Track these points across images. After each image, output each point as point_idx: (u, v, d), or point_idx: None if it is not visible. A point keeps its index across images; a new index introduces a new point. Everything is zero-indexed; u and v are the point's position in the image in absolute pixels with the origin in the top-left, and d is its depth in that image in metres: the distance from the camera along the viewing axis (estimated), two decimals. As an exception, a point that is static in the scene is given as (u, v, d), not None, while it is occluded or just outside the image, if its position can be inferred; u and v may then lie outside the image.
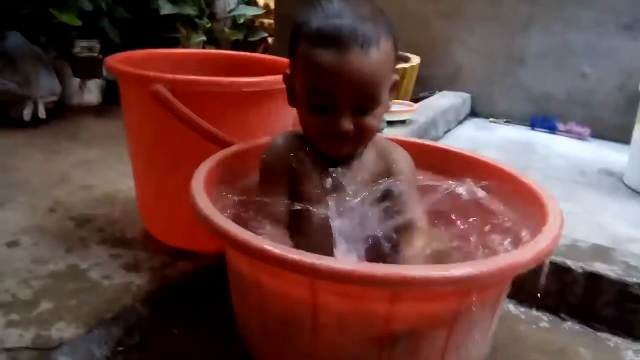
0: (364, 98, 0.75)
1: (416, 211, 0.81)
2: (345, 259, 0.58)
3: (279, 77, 1.01)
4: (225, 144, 0.95)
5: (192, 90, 0.98)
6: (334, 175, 0.81)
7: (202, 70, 1.28)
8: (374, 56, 0.73)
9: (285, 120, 1.15)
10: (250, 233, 0.62)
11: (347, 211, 0.77)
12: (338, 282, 0.57)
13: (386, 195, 0.81)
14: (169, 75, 0.96)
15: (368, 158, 0.86)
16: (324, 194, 0.80)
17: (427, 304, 0.64)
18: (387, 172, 0.85)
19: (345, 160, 0.83)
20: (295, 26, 0.79)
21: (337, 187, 0.80)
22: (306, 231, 0.80)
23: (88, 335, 0.87)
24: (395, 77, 0.82)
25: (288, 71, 0.84)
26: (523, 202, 0.84)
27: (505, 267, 0.60)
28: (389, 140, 0.91)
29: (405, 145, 0.94)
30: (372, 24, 0.74)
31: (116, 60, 1.08)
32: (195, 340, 0.95)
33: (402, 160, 0.87)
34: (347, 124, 0.76)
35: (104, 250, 1.11)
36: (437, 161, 1.00)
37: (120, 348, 0.90)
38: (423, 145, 1.05)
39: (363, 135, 0.79)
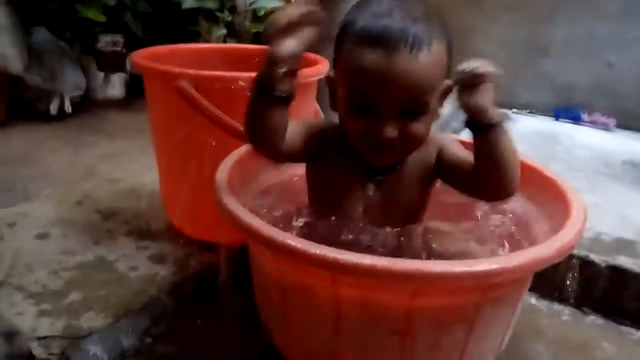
0: (410, 103, 0.70)
1: (471, 155, 0.75)
2: (366, 255, 0.58)
3: (300, 72, 1.02)
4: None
5: (215, 85, 0.99)
6: (378, 179, 0.78)
7: (226, 65, 1.29)
8: (424, 60, 0.68)
9: (307, 115, 1.16)
10: (274, 228, 0.63)
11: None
12: (359, 276, 0.58)
13: (442, 165, 0.79)
14: (192, 71, 0.97)
15: (414, 161, 0.80)
16: (358, 205, 0.78)
17: (449, 299, 0.65)
18: (434, 151, 0.80)
19: (389, 168, 0.79)
20: (341, 25, 0.74)
21: (385, 194, 0.79)
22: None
23: (116, 325, 0.90)
24: (448, 82, 0.76)
25: (332, 73, 0.79)
26: (547, 196, 0.83)
27: (527, 262, 0.60)
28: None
29: None
30: (424, 25, 0.69)
31: (141, 57, 1.10)
32: (219, 330, 0.97)
33: (442, 136, 0.83)
34: (391, 131, 0.71)
35: (130, 242, 1.14)
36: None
37: (147, 338, 0.93)
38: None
39: (408, 144, 0.74)
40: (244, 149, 0.90)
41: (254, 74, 0.99)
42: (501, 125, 0.69)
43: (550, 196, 0.82)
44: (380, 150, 0.73)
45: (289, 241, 0.61)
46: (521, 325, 0.97)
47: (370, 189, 0.79)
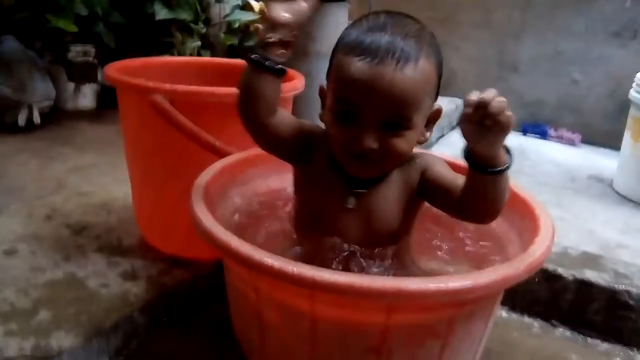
0: (392, 116, 0.70)
1: (458, 177, 0.74)
2: (344, 273, 0.59)
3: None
4: (224, 154, 0.96)
5: (191, 100, 0.99)
6: (357, 192, 0.78)
7: (201, 79, 1.29)
8: (409, 74, 0.69)
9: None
10: (250, 246, 0.63)
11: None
12: (336, 294, 0.59)
13: (427, 185, 0.78)
14: (168, 86, 0.97)
15: (394, 172, 0.80)
16: (338, 217, 0.78)
17: (423, 315, 0.66)
18: (417, 172, 0.79)
19: (371, 181, 0.78)
20: (338, 39, 0.76)
21: (364, 208, 0.78)
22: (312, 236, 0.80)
23: (87, 344, 0.88)
24: (437, 106, 0.77)
25: (324, 85, 0.80)
26: (517, 213, 0.85)
27: (498, 279, 0.62)
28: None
29: None
30: (414, 42, 0.70)
31: (114, 69, 1.08)
32: (192, 347, 0.96)
33: (427, 156, 0.82)
34: (371, 142, 0.71)
35: (102, 258, 1.12)
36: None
37: (119, 357, 0.91)
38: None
39: (388, 158, 0.74)
40: (219, 164, 0.90)
41: (229, 89, 1.00)
42: (505, 171, 0.66)
43: (520, 213, 0.84)
44: (359, 160, 0.73)
45: (265, 259, 0.61)
46: (493, 339, 0.98)
47: (351, 202, 0.79)
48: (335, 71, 0.74)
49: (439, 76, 0.75)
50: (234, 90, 0.99)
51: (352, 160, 0.74)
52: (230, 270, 0.80)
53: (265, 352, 0.78)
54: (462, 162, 0.97)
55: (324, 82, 0.80)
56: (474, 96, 0.59)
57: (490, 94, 0.59)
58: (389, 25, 0.71)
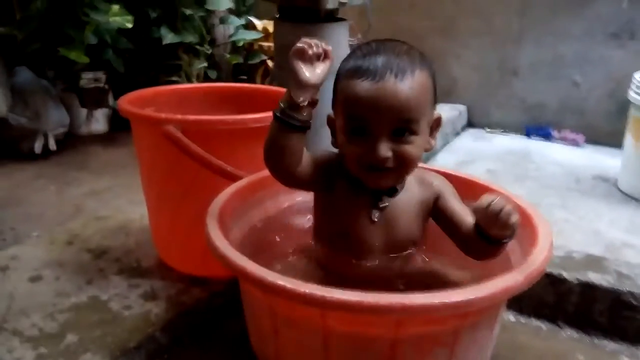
0: (400, 122, 0.77)
1: (467, 214, 0.83)
2: (353, 291, 0.63)
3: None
4: (235, 178, 1.01)
5: (201, 128, 1.04)
6: (381, 206, 0.85)
7: (209, 104, 1.35)
8: (409, 83, 0.76)
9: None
10: (265, 269, 0.68)
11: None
12: (347, 312, 0.63)
13: (438, 213, 0.87)
14: (179, 116, 1.02)
15: (412, 187, 0.88)
16: (364, 231, 0.84)
17: (430, 327, 0.70)
18: (432, 195, 0.88)
19: (390, 192, 0.85)
20: (337, 70, 0.83)
21: (387, 219, 0.85)
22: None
23: (113, 364, 0.92)
24: (437, 114, 0.85)
25: (331, 114, 0.86)
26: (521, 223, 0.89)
27: (499, 291, 0.66)
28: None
29: None
30: (407, 58, 0.78)
31: (127, 102, 1.14)
32: (213, 363, 1.01)
33: (441, 180, 0.91)
34: (385, 150, 0.77)
35: (122, 280, 1.17)
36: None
37: (144, 375, 0.96)
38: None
39: (403, 165, 0.80)
40: (231, 189, 0.94)
41: (237, 117, 1.05)
42: (506, 243, 0.76)
43: (520, 222, 0.87)
44: (377, 171, 0.80)
45: (279, 282, 0.65)
46: (502, 343, 1.02)
47: (375, 215, 0.85)
48: (342, 95, 0.81)
49: (434, 87, 0.83)
50: (241, 117, 1.05)
51: (369, 172, 0.81)
52: (245, 289, 0.84)
53: (282, 366, 0.82)
54: (465, 175, 1.04)
55: (331, 113, 0.86)
56: (485, 202, 0.71)
57: (498, 205, 0.70)
58: (381, 49, 0.80)
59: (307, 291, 0.63)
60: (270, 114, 1.05)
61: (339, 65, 0.83)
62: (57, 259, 1.26)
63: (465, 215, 0.83)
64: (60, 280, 1.16)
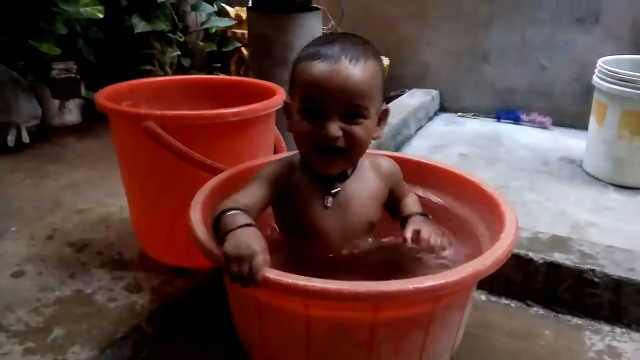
0: (351, 106, 0.81)
1: (409, 195, 1.00)
2: (333, 280, 0.67)
3: (260, 105, 1.11)
4: (215, 171, 1.03)
5: (180, 123, 1.05)
6: (333, 191, 0.89)
7: (186, 96, 1.36)
8: (361, 69, 0.81)
9: (268, 144, 1.24)
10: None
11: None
12: (328, 300, 0.67)
13: (391, 196, 0.96)
14: (158, 112, 1.03)
15: (365, 172, 0.93)
16: (326, 213, 0.88)
17: (405, 311, 0.74)
18: (389, 182, 0.95)
19: (341, 177, 0.89)
20: (295, 59, 0.87)
21: (341, 204, 0.89)
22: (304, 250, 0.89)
23: (101, 356, 0.95)
24: (386, 106, 0.89)
25: (287, 99, 0.90)
26: (485, 208, 0.94)
27: (468, 275, 0.70)
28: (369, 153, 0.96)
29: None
30: (362, 48, 0.84)
31: (103, 96, 1.15)
32: (199, 352, 1.04)
33: (392, 166, 0.98)
34: (335, 130, 0.81)
35: (105, 273, 1.18)
36: (412, 173, 1.10)
37: (132, 365, 0.99)
38: (400, 158, 1.14)
39: (352, 147, 0.83)
40: (213, 182, 0.97)
41: (216, 112, 1.07)
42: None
43: (488, 208, 0.93)
44: (326, 153, 0.83)
45: (263, 273, 0.69)
46: (474, 321, 1.08)
47: (328, 201, 0.89)
48: (299, 77, 0.84)
49: (383, 80, 0.88)
50: (220, 112, 1.07)
51: (318, 155, 0.84)
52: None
53: (266, 351, 0.86)
54: (434, 161, 1.09)
55: (287, 98, 0.90)
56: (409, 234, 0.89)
57: (425, 236, 0.87)
58: (339, 39, 0.85)
59: (290, 281, 0.67)
60: (247, 107, 1.09)
61: (298, 53, 0.87)
62: (39, 253, 1.26)
63: (404, 196, 0.99)
64: (43, 275, 1.17)
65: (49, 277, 1.17)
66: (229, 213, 0.78)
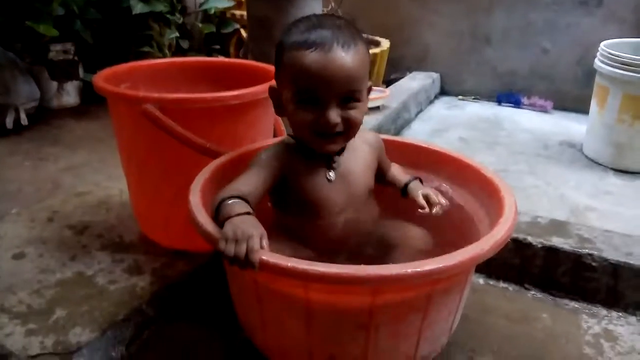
0: (347, 92, 0.83)
1: (393, 165, 1.05)
2: (332, 264, 0.68)
3: (260, 87, 1.10)
4: (215, 154, 1.03)
5: (180, 106, 1.05)
6: (334, 166, 0.92)
7: (185, 78, 1.35)
8: (354, 55, 0.82)
9: (268, 126, 1.23)
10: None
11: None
12: (327, 283, 0.67)
13: (379, 165, 1.01)
14: (157, 95, 1.02)
15: (357, 144, 0.96)
16: (330, 186, 0.90)
17: (404, 294, 0.75)
18: (376, 151, 1.00)
19: (338, 153, 0.93)
20: (278, 43, 0.87)
21: (342, 176, 0.92)
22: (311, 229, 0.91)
23: (103, 337, 0.96)
24: (370, 83, 0.92)
25: (273, 83, 0.91)
26: (485, 193, 0.94)
27: (466, 259, 0.71)
28: None
29: (388, 144, 1.06)
30: (348, 32, 0.84)
31: (102, 78, 1.14)
32: (200, 333, 1.05)
33: (377, 138, 1.03)
34: (335, 116, 0.83)
35: (106, 255, 1.19)
36: (412, 157, 1.10)
37: (133, 347, 1.00)
38: (400, 142, 1.14)
39: (350, 130, 0.87)
40: (212, 166, 0.97)
41: (215, 94, 1.06)
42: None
43: (487, 193, 0.93)
44: (328, 137, 0.86)
45: (263, 257, 0.69)
46: (471, 305, 1.09)
47: (330, 175, 0.92)
48: (290, 67, 0.83)
49: (369, 58, 0.90)
50: (221, 95, 1.06)
51: (320, 139, 0.86)
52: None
53: (266, 334, 0.87)
54: (434, 146, 1.09)
55: (273, 83, 0.91)
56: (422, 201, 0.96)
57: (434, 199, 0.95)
58: (323, 22, 0.85)
59: (289, 265, 0.67)
60: (247, 90, 1.09)
61: (282, 37, 0.86)
62: (39, 236, 1.27)
63: (389, 168, 1.04)
64: (44, 257, 1.18)
65: (50, 259, 1.17)
66: (228, 202, 0.79)
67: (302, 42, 0.82)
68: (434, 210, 0.94)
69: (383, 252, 0.93)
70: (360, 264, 0.68)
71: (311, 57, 0.80)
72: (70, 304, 1.03)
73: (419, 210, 0.95)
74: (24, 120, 2.01)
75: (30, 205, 1.43)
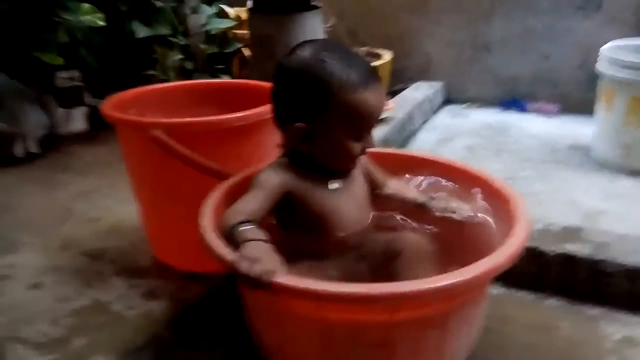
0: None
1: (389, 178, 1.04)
2: (346, 283, 0.68)
3: (264, 108, 1.11)
4: (223, 176, 1.03)
5: (187, 130, 1.06)
6: (335, 185, 0.92)
7: (192, 101, 1.36)
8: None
9: (273, 146, 1.24)
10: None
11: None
12: (342, 303, 0.68)
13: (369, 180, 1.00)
14: (165, 120, 1.04)
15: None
16: (335, 196, 0.91)
17: (421, 310, 0.75)
18: (364, 168, 1.00)
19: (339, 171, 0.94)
20: (318, 82, 0.83)
21: (345, 186, 0.93)
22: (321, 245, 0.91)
23: (123, 364, 0.96)
24: None
25: (302, 125, 0.86)
26: (496, 205, 0.94)
27: (482, 273, 0.71)
28: None
29: (385, 156, 1.07)
30: (364, 59, 0.90)
31: (109, 106, 1.15)
32: (218, 356, 1.05)
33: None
34: (373, 142, 0.90)
35: (122, 281, 1.20)
36: (418, 169, 1.10)
37: (152, 372, 1.00)
38: (404, 155, 1.15)
39: None
40: (221, 188, 0.97)
41: (222, 117, 1.07)
42: None
43: (499, 204, 0.93)
44: (356, 159, 0.91)
45: (277, 280, 0.69)
46: (491, 315, 1.08)
47: (334, 186, 0.92)
48: (347, 109, 0.83)
49: None
50: (227, 117, 1.08)
51: (351, 163, 0.91)
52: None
53: (283, 354, 0.87)
54: (439, 157, 1.09)
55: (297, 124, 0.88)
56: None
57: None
58: (351, 54, 0.88)
59: (302, 286, 0.67)
60: (252, 111, 1.10)
61: (322, 76, 0.83)
62: (54, 264, 1.28)
63: (382, 177, 1.03)
64: (60, 286, 1.19)
65: (66, 288, 1.18)
66: (240, 228, 0.78)
67: (355, 82, 0.83)
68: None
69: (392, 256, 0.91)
70: (376, 273, 0.68)
71: (369, 97, 0.83)
72: (88, 332, 1.03)
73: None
74: (33, 148, 2.03)
75: (44, 233, 1.44)
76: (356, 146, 0.87)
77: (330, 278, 0.83)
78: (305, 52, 0.86)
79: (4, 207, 1.64)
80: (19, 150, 1.99)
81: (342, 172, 0.93)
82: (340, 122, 0.85)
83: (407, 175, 1.09)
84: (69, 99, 2.26)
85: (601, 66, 1.81)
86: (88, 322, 1.06)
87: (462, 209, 0.97)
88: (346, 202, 0.93)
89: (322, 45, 0.87)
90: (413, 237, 0.95)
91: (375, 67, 0.89)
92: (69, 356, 0.97)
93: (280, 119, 0.91)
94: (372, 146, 0.89)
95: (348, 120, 0.84)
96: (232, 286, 0.95)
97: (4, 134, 1.96)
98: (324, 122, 0.85)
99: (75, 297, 1.14)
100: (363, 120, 0.85)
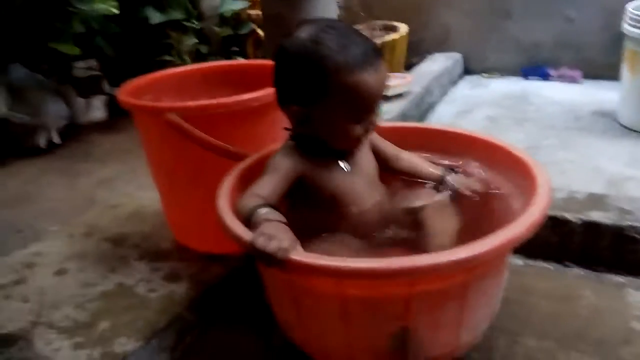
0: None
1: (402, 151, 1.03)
2: (365, 259, 0.67)
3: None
4: (239, 157, 1.03)
5: (203, 113, 1.06)
6: (345, 164, 0.92)
7: (207, 84, 1.36)
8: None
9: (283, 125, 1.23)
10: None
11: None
12: (361, 279, 0.67)
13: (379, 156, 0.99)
14: (180, 104, 1.04)
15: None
16: (348, 176, 0.91)
17: (440, 283, 0.74)
18: (372, 144, 0.99)
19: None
20: (313, 66, 0.81)
21: (355, 165, 0.93)
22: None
23: (147, 346, 0.98)
24: None
25: (297, 108, 0.86)
26: (517, 174, 0.92)
27: (502, 244, 0.69)
28: None
29: (405, 131, 1.05)
30: (367, 37, 0.85)
31: (125, 92, 1.16)
32: (239, 336, 1.06)
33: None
34: (377, 120, 0.89)
35: (144, 265, 1.21)
36: (437, 142, 1.08)
37: (177, 352, 1.02)
38: (422, 129, 1.13)
39: None
40: (237, 170, 0.97)
41: (236, 98, 1.07)
42: None
43: (520, 173, 0.90)
44: (358, 141, 0.90)
45: (294, 257, 0.69)
46: (511, 287, 1.06)
47: (347, 166, 0.92)
48: (346, 90, 0.81)
49: None
50: (241, 98, 1.07)
51: (356, 141, 0.89)
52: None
53: (304, 332, 0.87)
54: (459, 129, 1.07)
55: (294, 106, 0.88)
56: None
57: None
58: (350, 34, 0.84)
59: (322, 262, 0.67)
60: (265, 91, 1.09)
61: (317, 59, 0.81)
62: (79, 251, 1.30)
63: (393, 150, 1.02)
64: (85, 272, 1.21)
65: (91, 273, 1.20)
66: (258, 210, 0.79)
67: (354, 63, 0.80)
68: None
69: (413, 228, 0.91)
70: (396, 247, 0.67)
71: (368, 77, 0.80)
72: (113, 315, 1.05)
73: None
74: (55, 139, 2.06)
75: (67, 221, 1.47)
76: (357, 128, 0.86)
77: (351, 250, 0.83)
78: (303, 34, 0.84)
79: (29, 198, 1.67)
80: (41, 141, 2.02)
81: (345, 152, 0.92)
82: (337, 105, 0.83)
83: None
84: (88, 88, 2.28)
85: (625, 26, 1.74)
86: (112, 306, 1.08)
87: (477, 184, 0.96)
88: (357, 180, 0.92)
89: (321, 26, 0.83)
90: (430, 191, 0.96)
91: (377, 46, 0.85)
92: (95, 339, 0.99)
93: (280, 100, 0.91)
94: (375, 126, 0.87)
95: (345, 103, 0.82)
96: (251, 267, 0.95)
97: (27, 126, 2.00)
98: (321, 105, 0.84)
99: (100, 282, 1.16)
100: (361, 103, 0.83)
